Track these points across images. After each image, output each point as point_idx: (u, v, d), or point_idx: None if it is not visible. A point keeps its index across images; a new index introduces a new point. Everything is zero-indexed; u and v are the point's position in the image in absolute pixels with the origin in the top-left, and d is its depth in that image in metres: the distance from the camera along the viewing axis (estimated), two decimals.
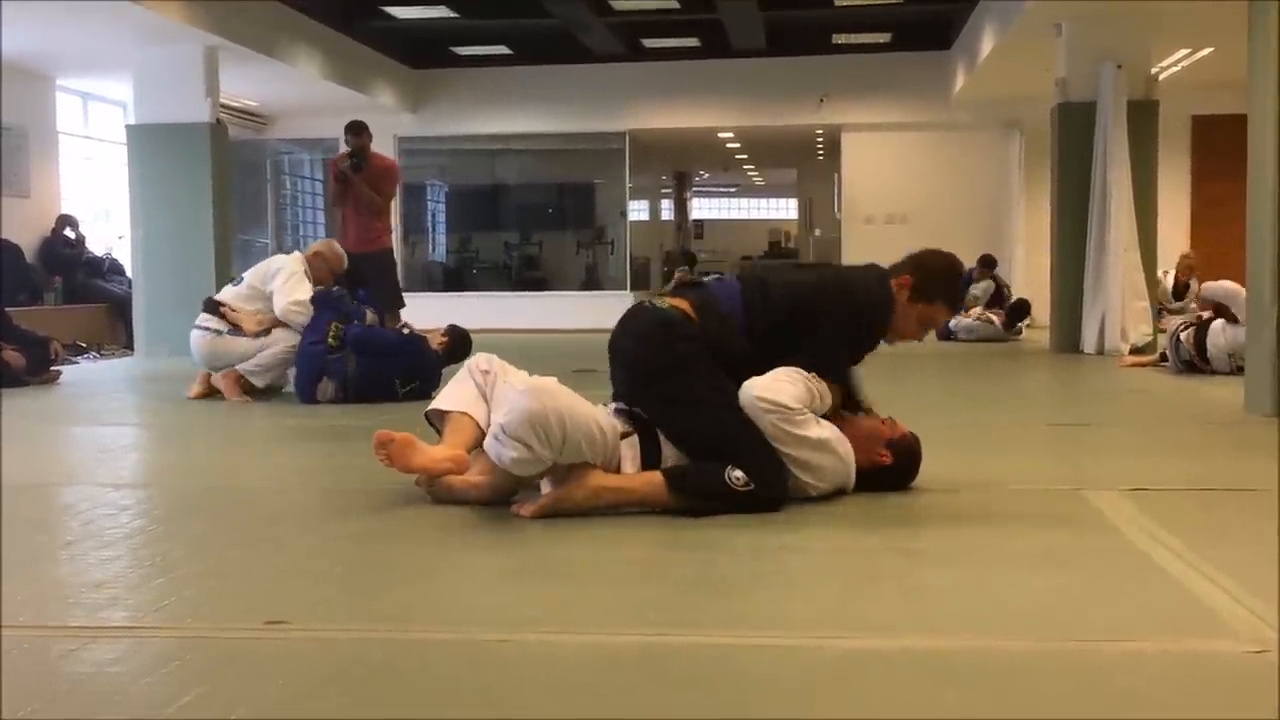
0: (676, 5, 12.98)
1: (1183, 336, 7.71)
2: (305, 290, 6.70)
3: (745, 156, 22.55)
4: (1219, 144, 12.90)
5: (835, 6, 13.13)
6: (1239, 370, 6.53)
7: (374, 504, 3.51)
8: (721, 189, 31.53)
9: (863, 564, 2.84)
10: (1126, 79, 9.62)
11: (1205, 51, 11.75)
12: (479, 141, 16.73)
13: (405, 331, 7.00)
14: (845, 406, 3.59)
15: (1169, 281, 12.28)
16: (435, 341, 6.79)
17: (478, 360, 3.65)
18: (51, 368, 7.91)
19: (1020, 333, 12.54)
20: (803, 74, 15.15)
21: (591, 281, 17.19)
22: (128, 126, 11.05)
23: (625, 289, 16.35)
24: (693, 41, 14.66)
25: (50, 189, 12.33)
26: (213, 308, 6.86)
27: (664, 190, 23.62)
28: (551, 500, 3.28)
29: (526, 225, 17.62)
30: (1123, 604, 2.45)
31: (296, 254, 7.12)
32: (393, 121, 15.46)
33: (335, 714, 1.87)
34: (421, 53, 15.18)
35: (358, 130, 8.60)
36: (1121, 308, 9.50)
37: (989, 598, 2.51)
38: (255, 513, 3.58)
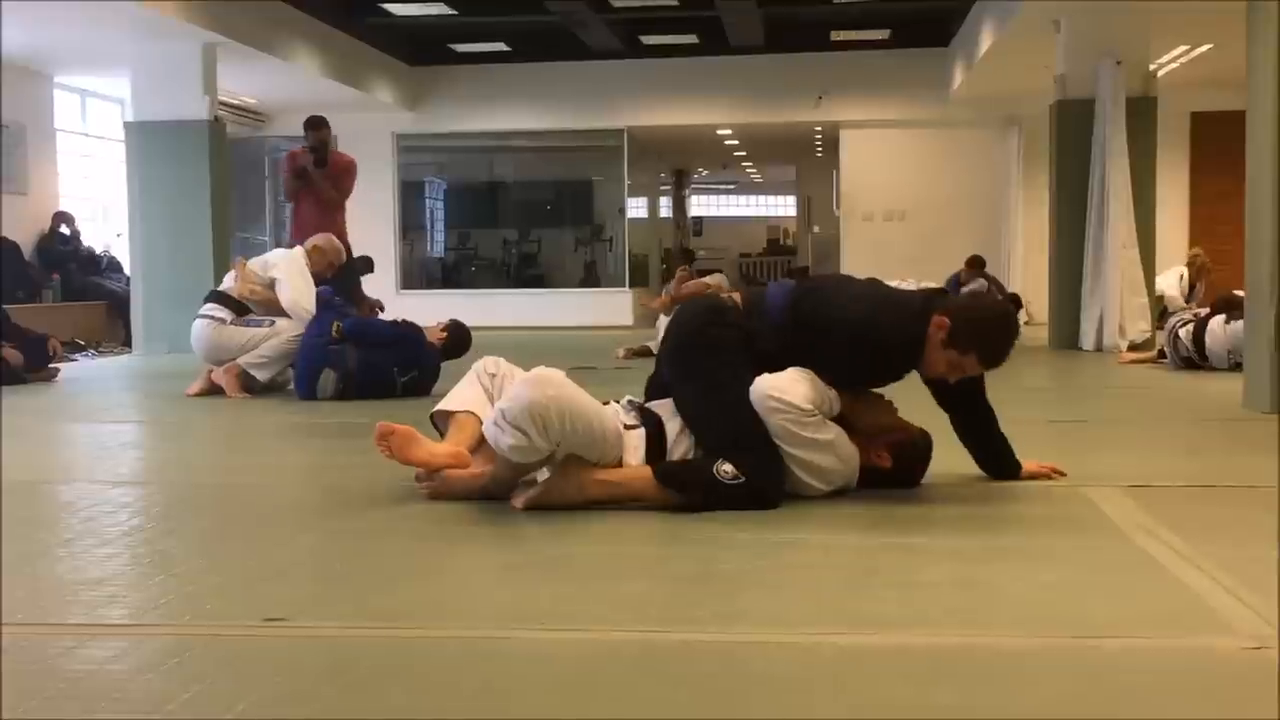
0: (675, 2, 12.97)
1: (1181, 333, 7.72)
2: (312, 291, 6.74)
3: (744, 153, 22.53)
4: (1218, 140, 12.89)
5: (834, 3, 13.13)
6: (1237, 366, 6.53)
7: (373, 501, 3.51)
8: (720, 186, 31.49)
9: (862, 560, 2.84)
10: (1125, 75, 9.61)
11: (1204, 48, 11.75)
12: (477, 138, 16.73)
13: (390, 318, 7.07)
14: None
15: (1184, 285, 11.75)
16: (435, 335, 6.79)
17: (485, 363, 3.67)
18: (50, 365, 7.90)
19: None
20: (801, 71, 15.14)
21: (590, 279, 17.18)
22: (126, 124, 11.05)
23: (624, 286, 16.35)
24: (691, 38, 14.64)
25: (48, 186, 12.34)
26: (217, 298, 6.87)
27: (663, 187, 23.58)
28: (541, 491, 3.29)
29: (525, 222, 17.61)
30: (1122, 600, 2.45)
31: (298, 249, 7.13)
32: (391, 118, 15.48)
33: (335, 711, 1.87)
34: (420, 50, 15.17)
35: (318, 125, 8.56)
36: (1120, 304, 9.50)
37: (988, 594, 2.51)
38: (254, 509, 3.58)
